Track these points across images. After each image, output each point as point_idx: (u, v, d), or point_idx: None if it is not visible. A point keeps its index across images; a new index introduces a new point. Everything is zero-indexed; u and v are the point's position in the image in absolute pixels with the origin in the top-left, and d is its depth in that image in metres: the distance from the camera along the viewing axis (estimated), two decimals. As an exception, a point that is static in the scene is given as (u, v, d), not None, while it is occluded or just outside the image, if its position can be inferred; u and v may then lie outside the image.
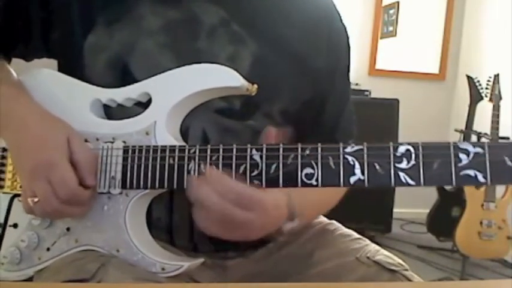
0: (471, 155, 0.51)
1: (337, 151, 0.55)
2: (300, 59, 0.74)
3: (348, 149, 0.55)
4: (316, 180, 0.55)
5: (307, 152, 0.56)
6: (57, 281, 0.61)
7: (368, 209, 2.48)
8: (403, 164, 0.53)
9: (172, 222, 0.71)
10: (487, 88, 2.46)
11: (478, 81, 2.57)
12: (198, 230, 0.70)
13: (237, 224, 0.57)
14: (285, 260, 0.76)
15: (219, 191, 0.56)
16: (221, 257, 0.75)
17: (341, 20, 0.81)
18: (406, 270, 0.70)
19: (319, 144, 0.56)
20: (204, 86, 0.63)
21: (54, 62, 0.76)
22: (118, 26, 0.69)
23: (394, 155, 0.53)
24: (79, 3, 0.71)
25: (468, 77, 2.60)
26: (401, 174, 0.53)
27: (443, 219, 2.63)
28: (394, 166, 0.53)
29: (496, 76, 2.42)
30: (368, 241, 0.78)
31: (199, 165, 0.59)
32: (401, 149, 0.53)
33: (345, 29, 0.81)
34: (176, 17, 0.70)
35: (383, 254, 0.73)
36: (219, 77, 0.63)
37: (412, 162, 0.53)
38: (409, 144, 0.53)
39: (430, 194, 2.72)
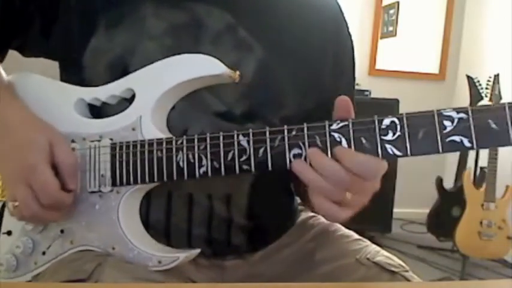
0: (455, 121, 0.51)
1: (323, 129, 0.55)
2: (306, 68, 0.72)
3: (334, 126, 0.55)
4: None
5: (294, 132, 0.56)
6: (54, 282, 0.61)
7: (368, 209, 2.47)
8: (389, 136, 0.53)
9: (170, 225, 0.70)
10: (487, 88, 2.46)
11: (478, 81, 2.57)
12: (195, 234, 0.70)
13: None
14: (284, 261, 0.76)
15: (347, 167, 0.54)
16: (219, 259, 0.75)
17: (347, 29, 0.79)
18: (406, 271, 0.70)
19: (305, 124, 0.56)
20: (185, 77, 0.62)
21: (50, 62, 0.76)
22: (120, 29, 0.68)
23: (379, 127, 0.53)
24: (80, 5, 0.70)
25: (468, 77, 2.60)
26: (388, 146, 0.53)
27: (443, 219, 2.63)
28: (380, 138, 0.53)
29: (496, 76, 2.42)
30: (368, 242, 0.78)
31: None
32: (386, 122, 0.53)
33: (351, 37, 0.80)
34: (180, 21, 0.69)
35: (383, 255, 0.73)
36: (200, 66, 0.62)
37: (398, 133, 0.53)
38: (393, 116, 0.53)
39: (430, 194, 2.72)
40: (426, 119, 0.52)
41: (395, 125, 0.53)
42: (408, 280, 0.68)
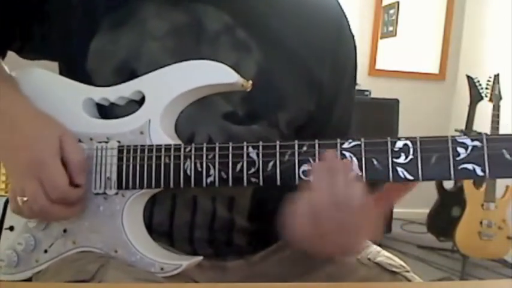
0: (469, 149, 0.51)
1: (334, 147, 0.55)
2: (306, 69, 0.72)
3: (346, 145, 0.54)
4: None
5: (304, 148, 0.56)
6: (57, 282, 0.61)
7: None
8: (401, 159, 0.52)
9: (173, 227, 0.70)
10: (487, 88, 2.46)
11: (478, 81, 2.57)
12: (197, 235, 0.70)
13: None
14: (286, 262, 0.76)
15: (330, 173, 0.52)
16: (221, 260, 0.75)
17: (349, 29, 0.79)
18: (408, 271, 0.70)
19: (316, 141, 0.56)
20: (197, 84, 0.62)
21: (50, 63, 0.75)
22: (123, 30, 0.68)
23: (392, 149, 0.53)
24: (81, 7, 0.69)
25: (468, 77, 2.60)
26: (400, 169, 0.52)
27: (443, 219, 2.63)
28: (392, 161, 0.52)
29: (496, 76, 2.42)
30: (369, 242, 0.78)
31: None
32: (399, 144, 0.53)
33: (353, 37, 0.79)
34: (181, 21, 0.69)
35: (384, 256, 0.73)
36: (213, 74, 0.61)
37: (410, 156, 0.52)
38: (407, 138, 0.53)
39: (430, 194, 2.72)
40: (440, 144, 0.51)
41: (409, 148, 0.52)
42: (409, 281, 0.68)
